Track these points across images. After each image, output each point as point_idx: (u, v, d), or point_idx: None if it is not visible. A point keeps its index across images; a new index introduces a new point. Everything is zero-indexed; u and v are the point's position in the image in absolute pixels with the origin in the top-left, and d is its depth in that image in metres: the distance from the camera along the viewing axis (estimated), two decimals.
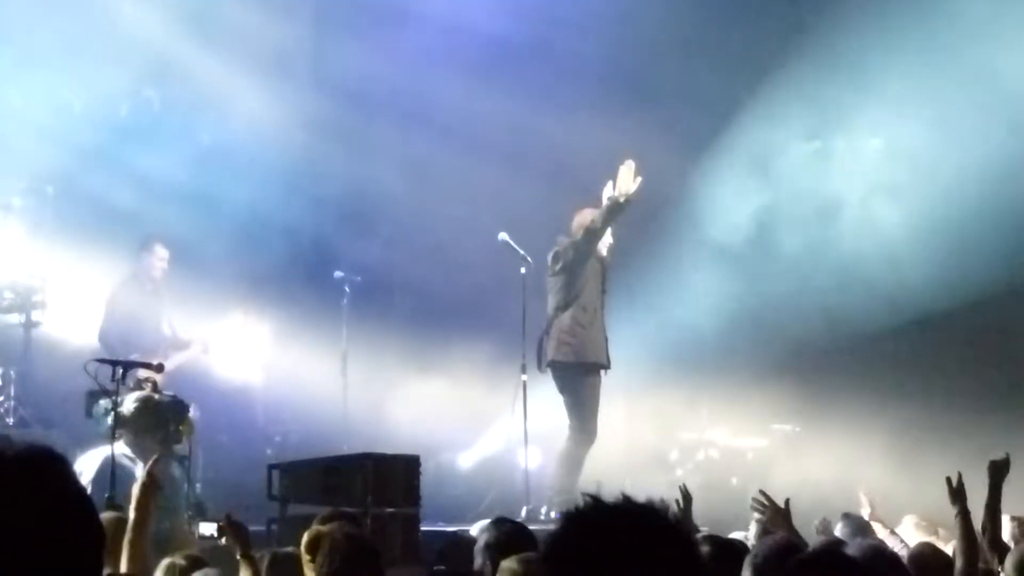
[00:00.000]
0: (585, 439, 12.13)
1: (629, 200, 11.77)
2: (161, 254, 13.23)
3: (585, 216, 12.14)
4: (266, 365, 14.21)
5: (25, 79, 13.72)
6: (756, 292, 14.69)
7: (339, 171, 14.88)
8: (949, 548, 7.87)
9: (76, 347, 12.65)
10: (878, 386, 14.23)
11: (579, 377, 12.21)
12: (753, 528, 7.98)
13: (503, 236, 12.50)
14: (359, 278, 13.91)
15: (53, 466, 3.43)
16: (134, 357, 12.04)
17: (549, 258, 12.26)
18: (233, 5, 14.39)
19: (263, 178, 14.70)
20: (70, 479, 3.46)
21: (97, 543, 3.46)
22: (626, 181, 11.80)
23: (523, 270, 12.56)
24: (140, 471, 8.91)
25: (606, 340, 12.27)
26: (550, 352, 12.16)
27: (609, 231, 12.27)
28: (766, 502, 6.83)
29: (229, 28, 14.38)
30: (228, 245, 14.15)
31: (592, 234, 12.05)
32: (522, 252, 12.52)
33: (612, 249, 12.41)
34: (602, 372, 12.22)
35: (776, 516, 6.73)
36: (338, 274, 13.90)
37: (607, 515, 2.58)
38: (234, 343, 13.86)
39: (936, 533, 9.14)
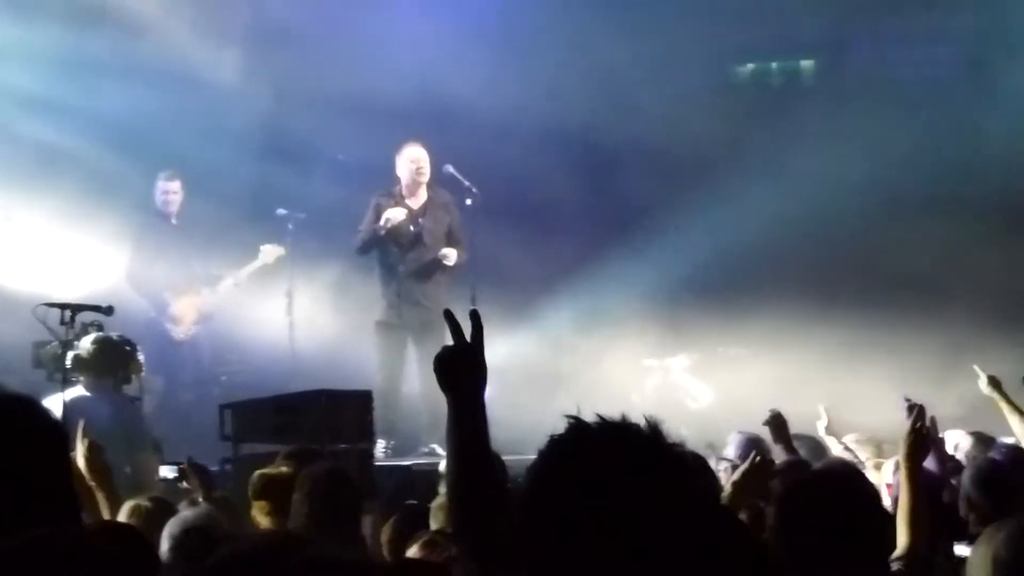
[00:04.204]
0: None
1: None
2: (165, 187, 13.42)
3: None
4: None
5: None
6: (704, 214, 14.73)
7: (277, 109, 14.76)
8: (891, 463, 7.99)
9: (22, 294, 12.53)
10: (815, 304, 14.30)
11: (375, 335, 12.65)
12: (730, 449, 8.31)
13: (449, 168, 12.51)
14: (303, 215, 13.82)
15: (31, 409, 3.47)
16: (165, 295, 12.51)
17: None
18: None
19: (203, 118, 14.52)
20: (48, 419, 3.50)
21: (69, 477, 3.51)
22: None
23: (469, 201, 12.58)
24: (104, 412, 8.94)
25: (399, 298, 12.49)
26: None
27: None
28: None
29: None
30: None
31: None
32: (468, 183, 12.54)
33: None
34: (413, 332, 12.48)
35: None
36: (281, 211, 13.78)
37: (589, 437, 2.54)
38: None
39: (881, 450, 9.23)
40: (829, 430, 9.65)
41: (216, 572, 2.34)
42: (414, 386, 12.68)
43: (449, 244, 12.47)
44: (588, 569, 2.45)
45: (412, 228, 12.45)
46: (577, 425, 2.58)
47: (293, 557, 2.34)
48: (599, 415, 2.58)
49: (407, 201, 12.48)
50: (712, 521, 2.62)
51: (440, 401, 3.60)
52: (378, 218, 12.37)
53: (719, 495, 5.58)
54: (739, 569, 3.46)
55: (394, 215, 12.30)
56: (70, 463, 3.54)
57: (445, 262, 12.39)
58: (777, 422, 8.22)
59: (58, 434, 3.51)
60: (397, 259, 12.47)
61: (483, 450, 3.46)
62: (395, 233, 12.39)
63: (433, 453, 11.56)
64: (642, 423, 2.56)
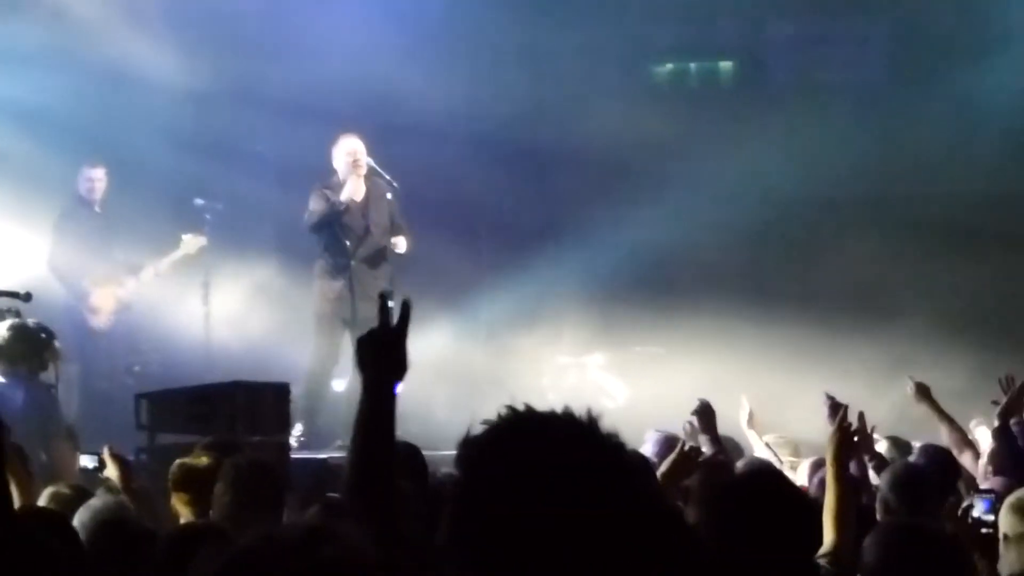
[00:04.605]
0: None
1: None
2: (89, 174, 13.27)
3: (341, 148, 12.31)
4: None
5: None
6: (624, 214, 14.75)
7: (205, 100, 14.65)
8: (806, 465, 8.06)
9: None
10: (740, 307, 14.37)
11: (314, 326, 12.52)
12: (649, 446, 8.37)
13: (369, 160, 12.43)
14: (220, 205, 13.72)
15: None
16: (85, 283, 12.70)
17: None
18: None
19: (129, 108, 14.37)
20: None
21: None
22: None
23: (389, 195, 12.52)
24: (18, 398, 8.87)
25: (351, 293, 12.22)
26: None
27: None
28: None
29: None
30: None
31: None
32: (388, 177, 12.48)
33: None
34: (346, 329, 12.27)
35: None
36: (198, 201, 13.68)
37: (527, 429, 2.52)
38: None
39: (797, 451, 9.28)
40: (751, 424, 9.66)
41: (239, 567, 2.28)
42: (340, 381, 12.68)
43: (393, 233, 12.40)
44: (524, 564, 2.42)
45: (362, 220, 12.34)
46: (513, 416, 2.54)
47: (324, 551, 2.28)
48: (528, 406, 2.54)
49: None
50: (653, 517, 2.60)
51: None
52: (328, 200, 12.24)
53: (660, 491, 5.59)
54: (677, 566, 3.45)
55: (353, 189, 12.19)
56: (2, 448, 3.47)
57: (396, 250, 12.30)
58: (706, 412, 8.17)
59: None
60: (348, 252, 12.32)
61: (387, 433, 3.63)
62: (346, 222, 12.25)
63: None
64: (581, 415, 2.54)
